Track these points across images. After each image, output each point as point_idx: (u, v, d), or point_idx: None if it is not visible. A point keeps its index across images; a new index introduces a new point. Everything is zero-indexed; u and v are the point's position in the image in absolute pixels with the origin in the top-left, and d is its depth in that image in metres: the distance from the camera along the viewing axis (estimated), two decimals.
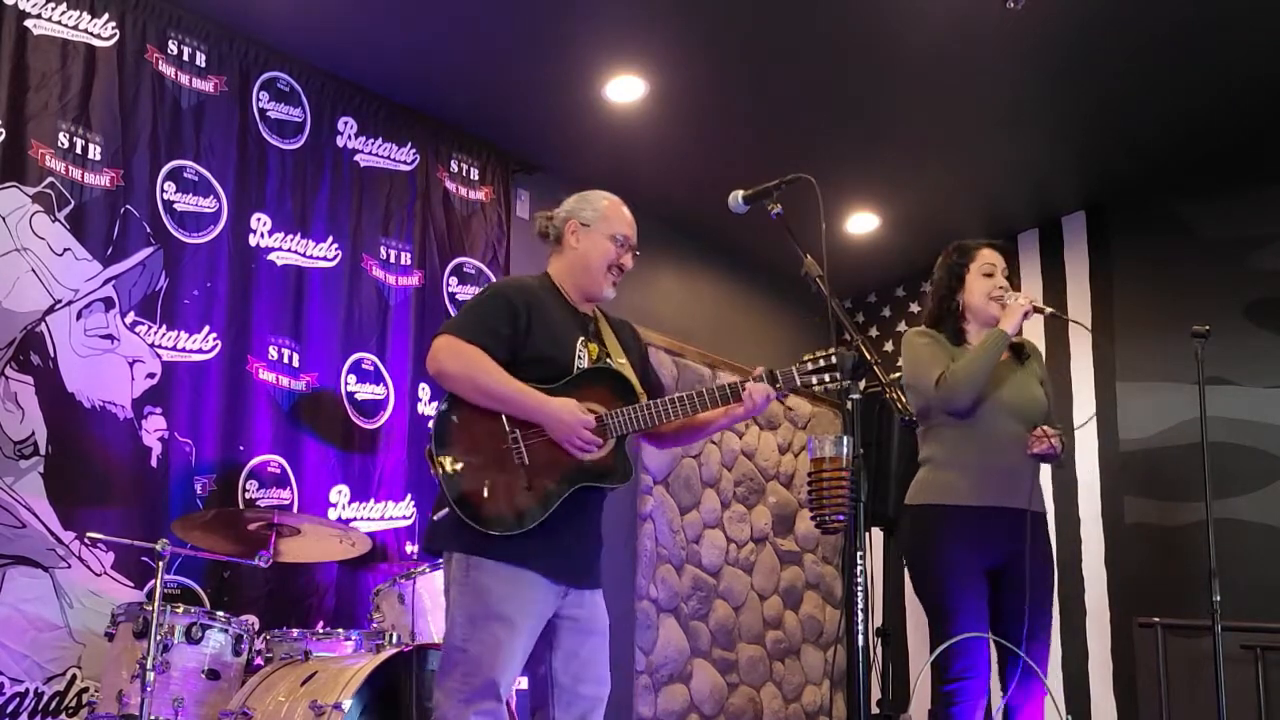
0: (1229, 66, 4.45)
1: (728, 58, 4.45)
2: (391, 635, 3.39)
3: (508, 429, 2.51)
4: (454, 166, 4.86)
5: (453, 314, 4.17)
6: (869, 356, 2.38)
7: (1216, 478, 3.95)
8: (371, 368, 4.41)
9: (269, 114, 4.26)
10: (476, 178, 4.94)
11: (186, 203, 3.96)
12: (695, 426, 2.77)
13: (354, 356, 4.36)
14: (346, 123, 4.49)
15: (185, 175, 3.97)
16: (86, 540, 3.49)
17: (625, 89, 4.58)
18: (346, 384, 4.32)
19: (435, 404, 4.52)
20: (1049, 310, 3.41)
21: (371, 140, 4.56)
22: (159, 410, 3.77)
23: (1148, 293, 5.39)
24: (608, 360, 2.68)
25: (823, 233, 2.49)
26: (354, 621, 4.01)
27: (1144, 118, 4.82)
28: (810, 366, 2.55)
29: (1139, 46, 4.32)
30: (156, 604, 3.03)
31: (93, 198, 3.71)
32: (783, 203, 2.58)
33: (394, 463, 4.39)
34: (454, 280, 4.76)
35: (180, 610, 3.20)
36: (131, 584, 3.61)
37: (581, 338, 2.67)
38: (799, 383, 2.56)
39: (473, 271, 4.83)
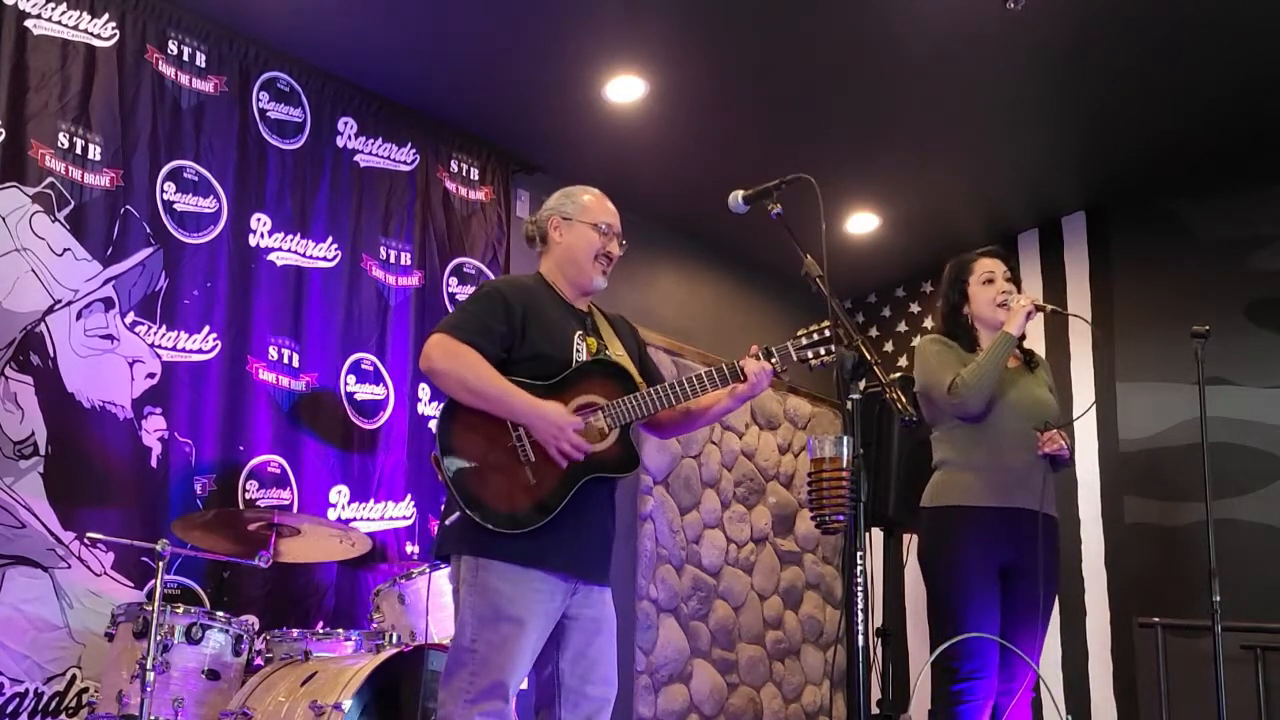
0: (1228, 67, 4.45)
1: (728, 58, 4.45)
2: (391, 635, 3.39)
3: (510, 427, 2.52)
4: (454, 166, 4.86)
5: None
6: (869, 356, 2.38)
7: (1216, 478, 3.95)
8: (371, 368, 4.41)
9: (269, 114, 4.26)
10: (476, 178, 4.94)
11: (186, 203, 3.96)
12: (698, 412, 2.76)
13: (354, 357, 4.36)
14: (346, 123, 4.49)
15: (185, 175, 3.97)
16: (86, 540, 3.49)
17: (625, 89, 4.58)
18: (346, 384, 4.32)
19: (435, 404, 4.52)
20: (1049, 307, 3.49)
21: (371, 140, 4.56)
22: (159, 410, 3.77)
23: (1148, 293, 5.39)
24: (605, 353, 2.69)
25: (823, 233, 2.49)
26: (354, 621, 4.01)
27: (1143, 117, 4.82)
28: (804, 341, 2.59)
29: (1139, 47, 4.32)
30: (156, 604, 3.03)
31: (93, 198, 3.71)
32: (783, 203, 2.58)
33: (394, 463, 4.39)
34: (454, 280, 4.76)
35: (180, 610, 3.19)
36: (131, 584, 3.61)
37: (579, 332, 2.67)
38: (794, 357, 2.59)
39: (473, 271, 4.82)
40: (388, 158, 4.61)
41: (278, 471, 4.05)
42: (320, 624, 3.99)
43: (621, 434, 2.60)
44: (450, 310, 4.60)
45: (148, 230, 3.83)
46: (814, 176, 2.53)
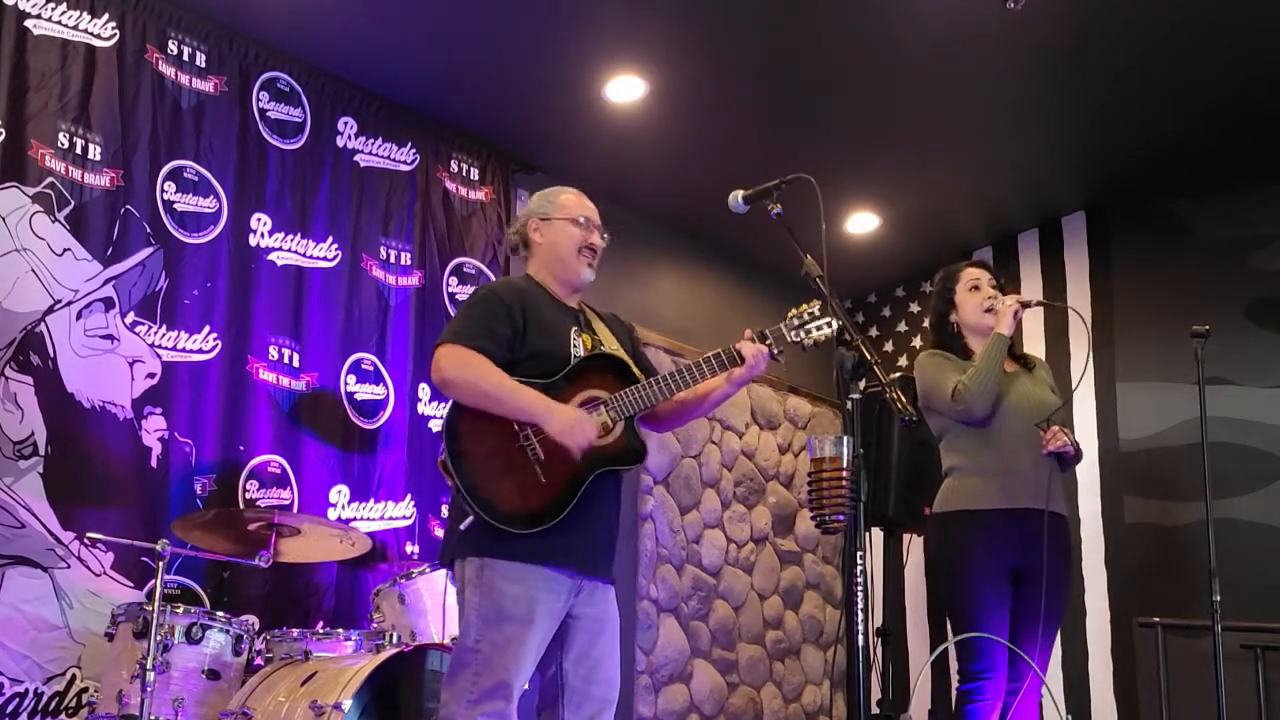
0: (1228, 67, 4.44)
1: (728, 58, 4.45)
2: (391, 635, 3.39)
3: (517, 428, 2.52)
4: (454, 166, 4.86)
5: (452, 314, 4.17)
6: (869, 356, 2.38)
7: (1216, 478, 3.95)
8: (371, 368, 4.41)
9: (269, 114, 4.26)
10: (476, 178, 4.94)
11: (186, 203, 3.96)
12: (697, 399, 2.75)
13: (354, 356, 4.36)
14: (346, 123, 4.49)
15: (185, 175, 3.97)
16: (86, 540, 3.49)
17: (625, 89, 4.58)
18: (346, 384, 4.32)
19: (435, 404, 4.53)
20: (1035, 301, 3.59)
21: (371, 140, 4.56)
22: (159, 410, 3.77)
23: (1148, 293, 5.39)
24: (602, 348, 2.70)
25: (823, 233, 2.49)
26: (354, 621, 4.00)
27: (1143, 117, 4.82)
28: (795, 322, 2.62)
29: (1139, 47, 4.32)
30: (156, 604, 3.03)
31: (93, 198, 3.71)
32: (783, 203, 2.59)
33: (394, 463, 4.39)
34: (454, 280, 4.76)
35: (180, 610, 3.19)
36: (131, 584, 3.61)
37: (574, 328, 2.69)
38: (788, 338, 2.61)
39: (473, 271, 4.83)
40: (388, 158, 4.61)
41: (278, 471, 4.05)
42: (320, 624, 3.99)
43: (627, 426, 2.61)
44: (450, 310, 4.63)
45: (148, 230, 3.83)
46: (814, 176, 2.54)
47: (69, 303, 3.62)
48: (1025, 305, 3.44)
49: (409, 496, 4.40)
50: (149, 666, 2.95)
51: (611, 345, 2.74)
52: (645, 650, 5.18)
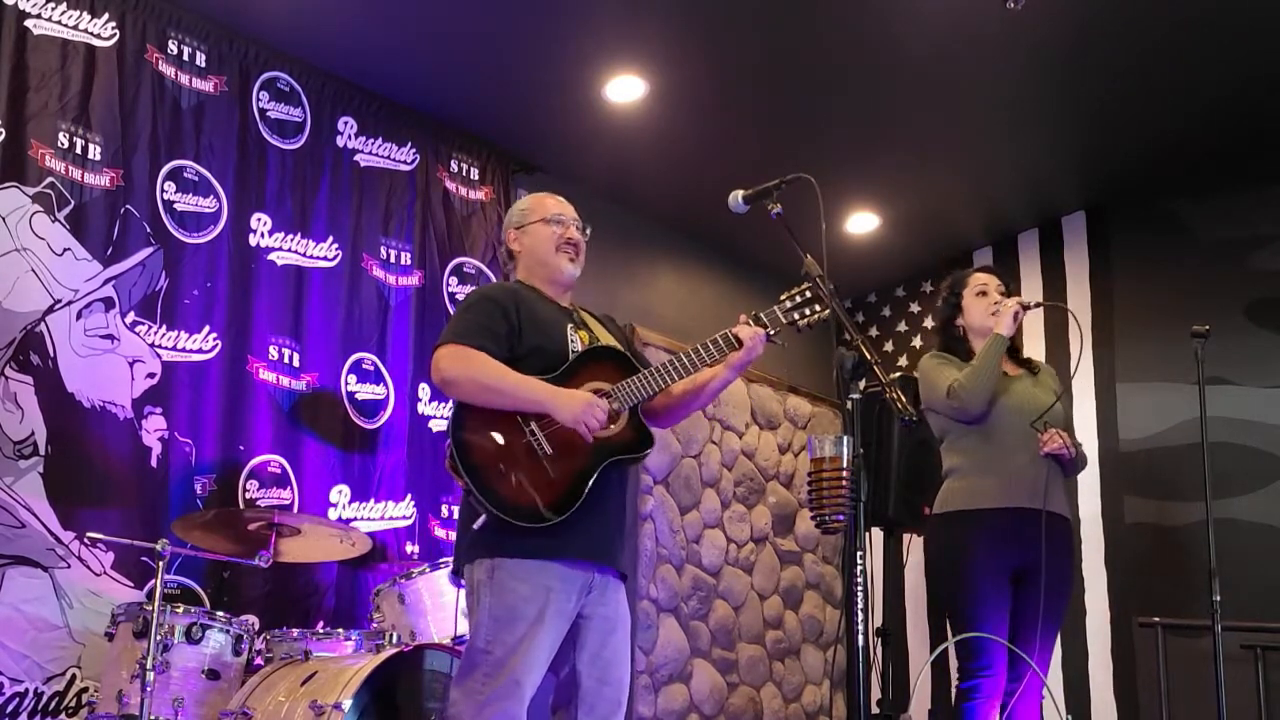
0: (1228, 67, 4.45)
1: (728, 58, 4.45)
2: (391, 635, 3.39)
3: (522, 423, 2.52)
4: (454, 166, 4.86)
5: (453, 314, 4.18)
6: (869, 356, 2.38)
7: (1216, 478, 3.95)
8: (372, 368, 4.41)
9: (269, 114, 4.26)
10: (476, 178, 4.94)
11: (186, 203, 3.96)
12: (696, 389, 2.75)
13: (354, 356, 4.36)
14: (346, 123, 4.49)
15: (185, 175, 3.97)
16: (86, 540, 3.49)
17: (625, 89, 4.58)
18: (347, 384, 4.32)
19: (436, 404, 4.53)
20: (1034, 302, 3.63)
21: (371, 140, 4.56)
22: (159, 410, 3.77)
23: (1148, 293, 5.39)
24: (600, 343, 2.71)
25: (823, 233, 2.49)
26: (354, 621, 4.00)
27: (1143, 117, 4.82)
28: (789, 304, 2.62)
29: (1139, 47, 4.32)
30: (156, 604, 3.03)
31: (93, 198, 3.71)
32: (783, 203, 2.59)
33: (394, 463, 4.39)
34: (454, 280, 4.76)
35: (180, 610, 3.20)
36: (131, 584, 3.61)
37: (570, 325, 2.70)
38: (783, 320, 2.61)
39: (473, 271, 4.83)
40: (388, 157, 4.61)
41: (278, 471, 4.05)
42: (320, 624, 3.99)
43: (631, 415, 2.61)
44: (450, 310, 4.63)
45: (148, 230, 3.83)
46: (814, 176, 2.54)
47: (69, 303, 3.62)
48: (1025, 307, 3.47)
49: (409, 496, 4.40)
50: (149, 666, 2.95)
51: (608, 341, 2.75)
52: (645, 650, 5.19)
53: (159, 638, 3.03)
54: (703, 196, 4.31)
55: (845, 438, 2.34)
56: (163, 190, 3.89)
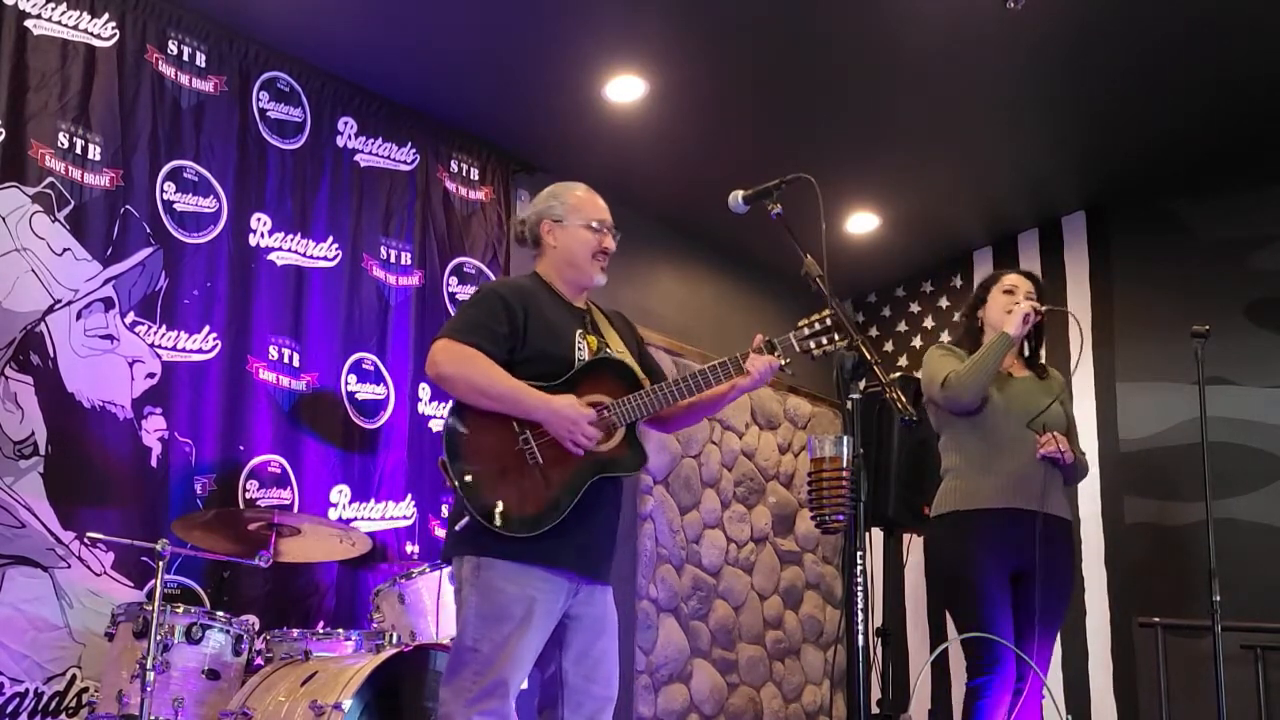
0: (1229, 67, 4.45)
1: (728, 58, 4.45)
2: (391, 635, 3.39)
3: (517, 430, 2.51)
4: (454, 166, 4.86)
5: (452, 314, 4.18)
6: (869, 356, 2.38)
7: (1216, 478, 3.95)
8: (372, 368, 4.41)
9: (269, 114, 4.26)
10: (476, 178, 4.94)
11: (186, 203, 3.96)
12: (701, 405, 2.75)
13: (354, 356, 4.36)
14: (346, 123, 4.49)
15: (185, 175, 3.97)
16: (86, 540, 3.48)
17: (625, 89, 4.58)
18: (347, 384, 4.32)
19: (436, 404, 4.53)
20: (1046, 308, 3.58)
21: (371, 140, 4.56)
22: (159, 410, 3.77)
23: (1148, 293, 5.39)
24: (607, 350, 2.68)
25: (823, 233, 2.49)
26: (354, 621, 4.00)
27: (1143, 118, 4.82)
28: (806, 331, 2.59)
29: (1139, 47, 4.32)
30: (156, 604, 3.03)
31: (92, 198, 3.70)
32: (783, 203, 2.59)
33: (394, 463, 4.39)
34: (454, 280, 4.76)
35: (180, 610, 3.19)
36: (131, 584, 3.61)
37: (579, 330, 2.67)
38: (797, 348, 2.60)
39: (473, 271, 4.82)
40: (388, 157, 4.61)
41: (278, 471, 4.05)
42: (320, 624, 3.99)
43: (628, 432, 2.60)
44: (450, 310, 4.63)
45: (148, 230, 3.83)
46: (814, 176, 2.54)
47: (69, 303, 3.62)
48: (1038, 311, 3.47)
49: (409, 496, 4.40)
50: (149, 666, 2.94)
51: (618, 347, 2.73)
52: (645, 650, 5.19)
53: (159, 638, 3.03)
54: (703, 196, 4.30)
55: (845, 438, 2.34)
56: (162, 190, 3.89)
